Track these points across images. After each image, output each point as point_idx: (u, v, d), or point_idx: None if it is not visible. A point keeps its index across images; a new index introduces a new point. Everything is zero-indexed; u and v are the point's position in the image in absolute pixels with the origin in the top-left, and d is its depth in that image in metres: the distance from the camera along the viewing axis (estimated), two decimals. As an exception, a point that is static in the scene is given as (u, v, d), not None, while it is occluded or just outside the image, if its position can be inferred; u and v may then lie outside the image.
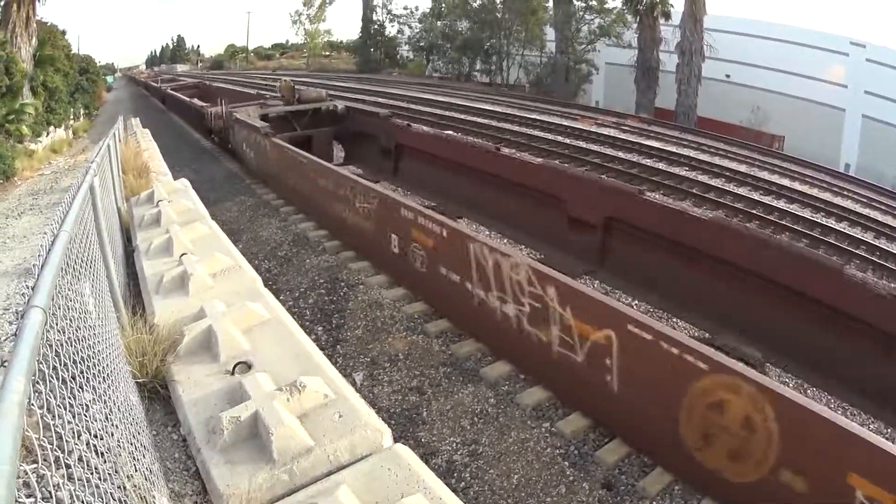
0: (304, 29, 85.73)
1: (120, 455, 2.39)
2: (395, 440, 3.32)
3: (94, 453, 2.13)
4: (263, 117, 17.64)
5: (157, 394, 3.83)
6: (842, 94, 35.58)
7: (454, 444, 6.08)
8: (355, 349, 7.89)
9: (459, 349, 7.67)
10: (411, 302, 8.95)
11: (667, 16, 40.36)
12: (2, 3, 26.05)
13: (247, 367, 3.82)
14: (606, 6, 46.82)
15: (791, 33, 37.74)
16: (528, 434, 6.14)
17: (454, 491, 5.05)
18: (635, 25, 42.43)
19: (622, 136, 26.00)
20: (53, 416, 1.92)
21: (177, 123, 32.75)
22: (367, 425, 3.29)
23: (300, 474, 3.00)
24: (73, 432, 2.05)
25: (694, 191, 17.08)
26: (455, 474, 5.71)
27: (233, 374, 3.77)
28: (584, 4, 48.28)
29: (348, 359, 7.69)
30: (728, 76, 40.49)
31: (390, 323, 8.39)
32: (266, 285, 5.61)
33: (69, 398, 2.15)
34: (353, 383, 6.95)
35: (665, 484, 5.47)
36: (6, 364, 1.66)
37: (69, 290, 2.85)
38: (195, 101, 26.80)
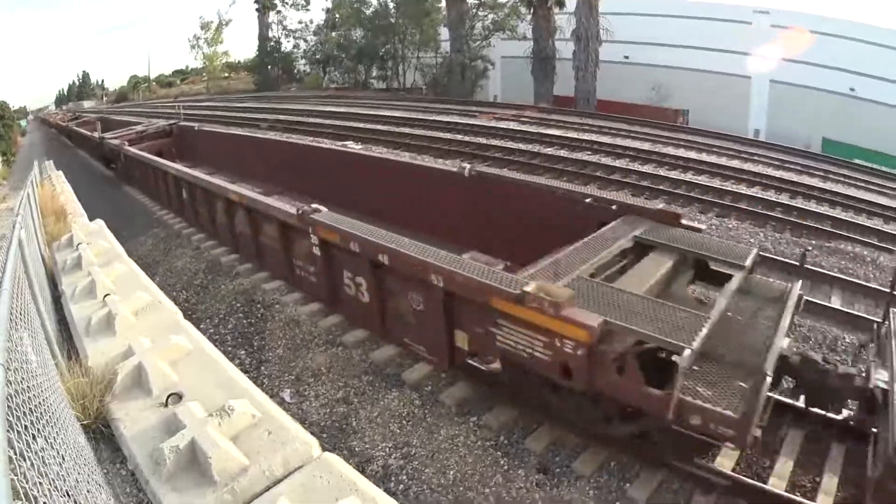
0: (203, 53, 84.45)
1: (79, 495, 2.62)
2: (330, 451, 3.54)
3: (56, 496, 2.36)
4: None
5: (102, 433, 3.98)
6: (747, 62, 36.87)
7: (387, 449, 6.23)
8: (279, 368, 8.00)
9: (378, 356, 7.87)
10: (326, 316, 9.09)
11: (561, 4, 41.01)
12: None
13: (178, 397, 4.01)
14: (500, 1, 47.49)
15: (692, 8, 38.89)
16: (457, 430, 6.36)
17: (392, 494, 5.42)
18: (530, 17, 42.94)
19: (522, 127, 26.31)
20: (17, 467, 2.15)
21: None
22: (296, 439, 3.54)
23: (241, 492, 3.20)
24: (34, 480, 2.24)
25: (598, 174, 17.15)
26: (392, 478, 5.84)
27: (166, 405, 3.96)
28: (476, 1, 48.72)
29: (273, 378, 7.79)
30: (627, 57, 41.39)
31: (309, 339, 8.55)
32: (186, 316, 5.75)
33: (25, 448, 2.34)
34: (282, 402, 7.12)
35: (599, 463, 5.80)
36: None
37: (11, 342, 3.03)
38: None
